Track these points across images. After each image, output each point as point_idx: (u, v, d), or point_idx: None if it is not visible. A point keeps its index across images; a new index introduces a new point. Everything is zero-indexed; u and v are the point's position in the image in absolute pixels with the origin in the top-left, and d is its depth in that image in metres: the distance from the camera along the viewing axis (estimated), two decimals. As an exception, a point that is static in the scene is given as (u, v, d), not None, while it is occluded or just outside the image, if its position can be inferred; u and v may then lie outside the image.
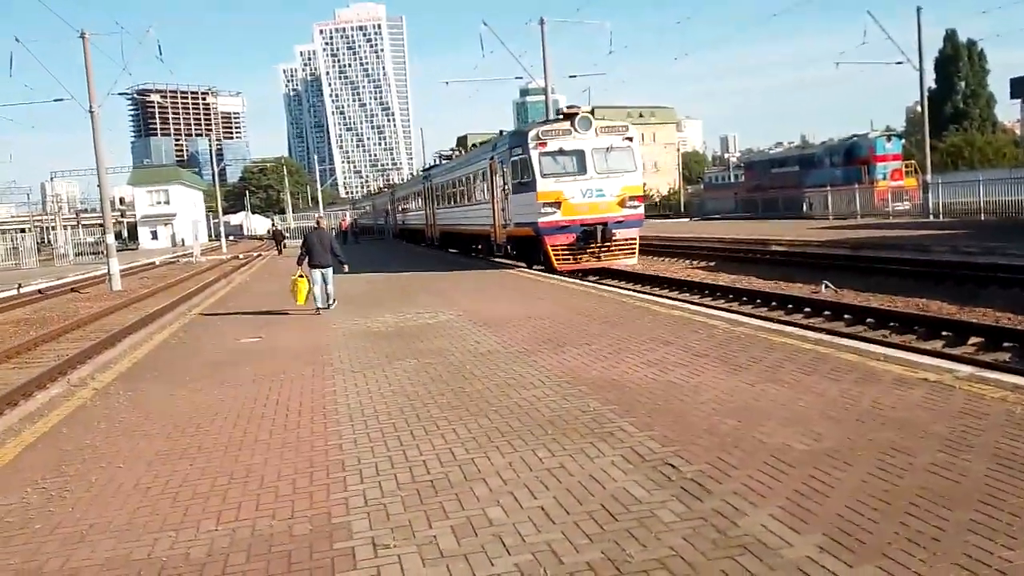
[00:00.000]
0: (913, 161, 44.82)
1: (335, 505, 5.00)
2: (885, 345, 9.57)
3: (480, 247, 28.18)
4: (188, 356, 11.33)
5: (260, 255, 50.22)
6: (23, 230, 77.99)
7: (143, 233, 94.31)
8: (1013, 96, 36.59)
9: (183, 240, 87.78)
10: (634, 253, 21.34)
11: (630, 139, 21.41)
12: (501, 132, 27.29)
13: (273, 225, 73.26)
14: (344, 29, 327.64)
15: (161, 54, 33.46)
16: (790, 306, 15.28)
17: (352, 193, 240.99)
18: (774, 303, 15.79)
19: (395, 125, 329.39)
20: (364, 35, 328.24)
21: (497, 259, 25.90)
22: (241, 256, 52.07)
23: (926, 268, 18.40)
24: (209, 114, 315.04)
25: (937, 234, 25.33)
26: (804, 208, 46.30)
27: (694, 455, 5.40)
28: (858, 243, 24.14)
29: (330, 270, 15.16)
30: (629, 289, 18.01)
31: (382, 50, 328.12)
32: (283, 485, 5.43)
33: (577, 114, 20.98)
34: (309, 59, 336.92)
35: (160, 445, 6.66)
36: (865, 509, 4.31)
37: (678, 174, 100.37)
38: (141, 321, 18.35)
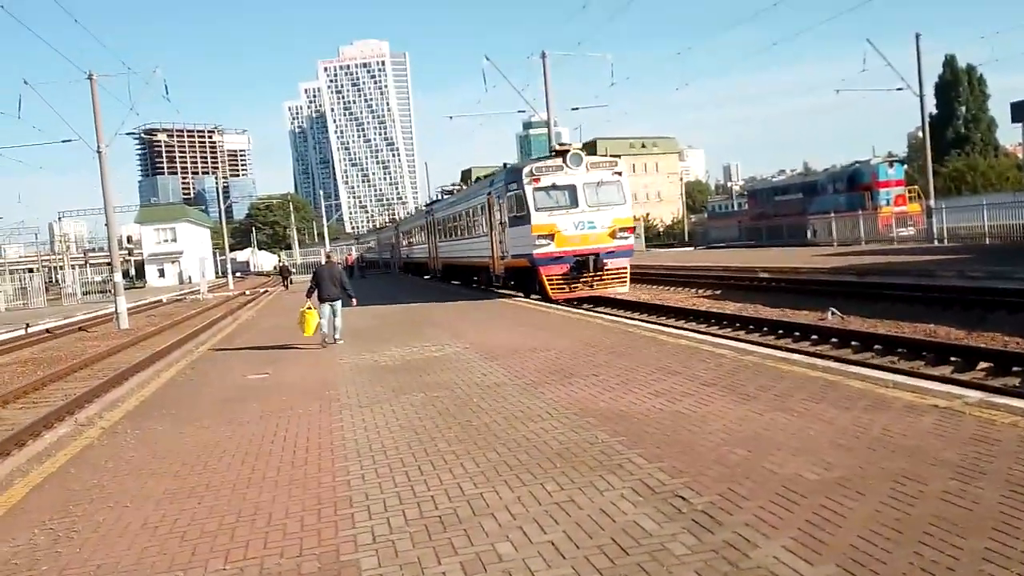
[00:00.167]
0: (916, 187, 44.93)
1: (343, 542, 4.96)
2: (894, 372, 9.52)
3: (480, 278, 29.06)
4: (196, 393, 11.33)
5: (267, 291, 50.35)
6: (31, 270, 78.39)
7: (150, 271, 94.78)
8: (1014, 120, 36.76)
9: (190, 277, 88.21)
10: (625, 281, 22.25)
11: (619, 174, 22.46)
12: (505, 165, 27.87)
13: (280, 261, 73.54)
14: (348, 66, 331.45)
15: (167, 94, 33.99)
16: (797, 334, 15.23)
17: (358, 228, 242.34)
18: (781, 331, 15.74)
19: (400, 160, 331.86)
20: (368, 72, 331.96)
21: (497, 290, 26.51)
22: (248, 292, 52.21)
23: (933, 293, 18.34)
24: (215, 152, 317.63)
25: (942, 259, 25.30)
26: (808, 235, 46.37)
27: (704, 486, 5.36)
28: (863, 269, 24.11)
29: (339, 303, 15.56)
30: (629, 318, 17.98)
31: (386, 86, 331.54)
32: (291, 522, 5.40)
33: (569, 151, 22.21)
34: (314, 96, 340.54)
35: (168, 484, 6.64)
36: (878, 539, 4.26)
37: (681, 203, 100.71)
38: (149, 359, 18.36)
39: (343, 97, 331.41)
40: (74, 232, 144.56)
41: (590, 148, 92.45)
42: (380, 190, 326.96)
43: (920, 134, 50.79)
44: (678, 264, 36.07)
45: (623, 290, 22.50)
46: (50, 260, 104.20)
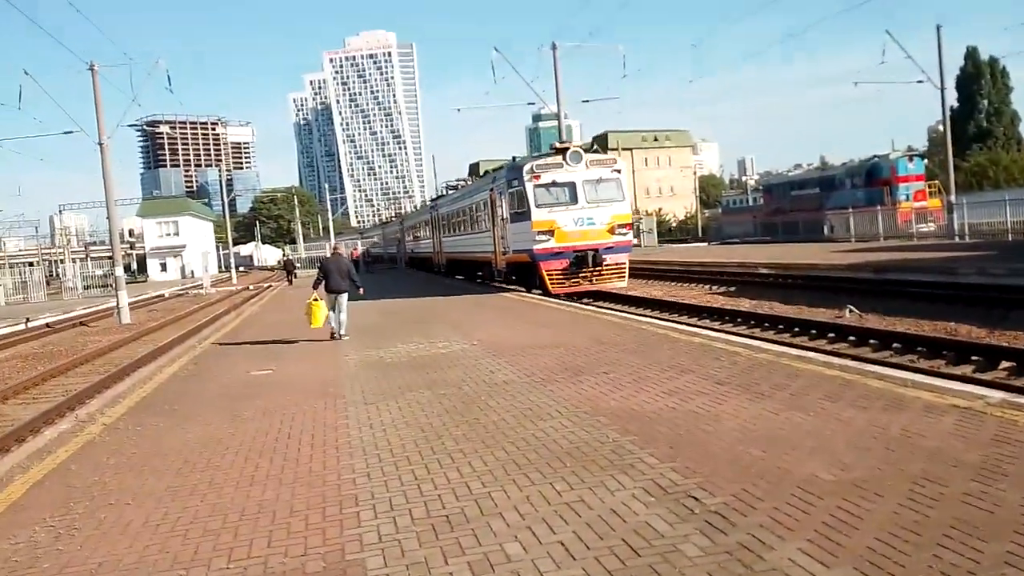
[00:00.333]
0: (936, 181, 44.70)
1: (349, 541, 4.98)
2: (913, 371, 9.49)
3: (484, 274, 29.95)
4: (198, 389, 11.37)
5: (271, 286, 50.48)
6: (31, 264, 78.88)
7: (152, 265, 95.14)
8: (1038, 113, 36.67)
9: (193, 272, 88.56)
10: (624, 276, 23.23)
11: (618, 171, 23.40)
12: (514, 158, 28.31)
13: (284, 255, 73.76)
14: (354, 57, 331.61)
15: (170, 85, 33.70)
16: (813, 332, 15.19)
17: (363, 222, 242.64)
18: (797, 329, 15.71)
19: (406, 153, 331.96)
20: (374, 63, 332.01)
21: (500, 285, 27.16)
22: (251, 287, 52.37)
23: (953, 291, 18.27)
24: (219, 145, 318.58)
25: (963, 255, 25.16)
26: (825, 231, 46.19)
27: (718, 487, 5.35)
28: (882, 266, 24.00)
29: (345, 296, 15.80)
30: (641, 314, 17.96)
31: (392, 77, 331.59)
32: (295, 521, 5.42)
33: (569, 148, 23.23)
34: (319, 88, 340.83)
35: (170, 481, 6.67)
36: (896, 541, 4.25)
37: (695, 198, 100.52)
38: (150, 354, 18.45)
39: (349, 89, 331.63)
40: (75, 225, 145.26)
41: (601, 141, 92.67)
42: (386, 184, 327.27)
43: (941, 128, 50.51)
44: (691, 260, 35.98)
45: (621, 285, 23.44)
46: (51, 254, 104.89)
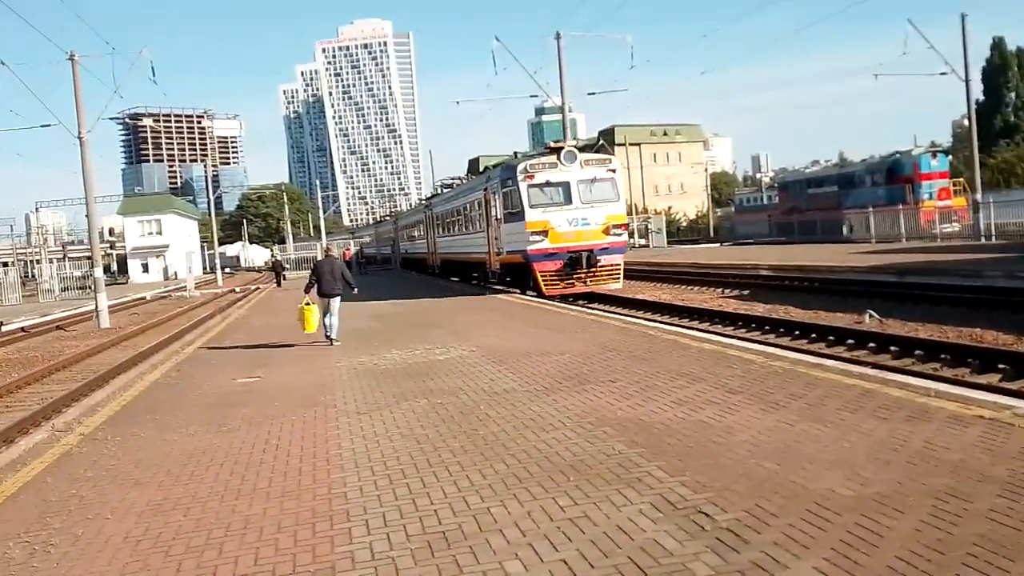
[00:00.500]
0: (961, 179, 44.66)
1: (340, 559, 4.98)
2: (936, 379, 9.49)
3: (479, 275, 30.51)
4: (182, 398, 11.38)
5: (258, 288, 50.52)
6: (6, 264, 78.98)
7: (133, 266, 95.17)
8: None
9: (176, 273, 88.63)
10: (618, 278, 23.87)
11: (613, 171, 24.05)
12: (515, 154, 28.52)
13: (272, 256, 73.78)
14: (348, 47, 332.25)
15: (154, 76, 33.77)
16: (831, 338, 15.19)
17: (356, 220, 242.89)
18: (814, 335, 15.70)
19: (402, 148, 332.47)
20: (369, 53, 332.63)
21: (496, 287, 27.56)
22: (238, 289, 52.41)
23: (979, 295, 18.26)
24: (205, 139, 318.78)
25: (990, 258, 25.18)
26: (844, 231, 46.17)
27: (729, 502, 5.35)
28: (904, 268, 24.00)
29: (337, 300, 16.00)
30: (649, 319, 17.96)
31: (388, 69, 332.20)
32: (283, 537, 5.42)
33: (563, 148, 23.82)
34: (311, 79, 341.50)
35: (152, 494, 6.67)
36: (918, 560, 4.24)
37: (707, 196, 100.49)
38: (131, 360, 18.46)
39: (342, 80, 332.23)
40: (52, 224, 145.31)
41: (608, 136, 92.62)
42: (381, 180, 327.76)
43: (966, 122, 50.55)
44: (703, 262, 36.01)
45: (616, 286, 24.09)
46: (26, 253, 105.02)
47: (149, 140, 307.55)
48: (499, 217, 25.24)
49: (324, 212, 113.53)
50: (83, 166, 30.98)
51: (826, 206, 51.83)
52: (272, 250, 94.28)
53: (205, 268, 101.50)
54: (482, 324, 17.58)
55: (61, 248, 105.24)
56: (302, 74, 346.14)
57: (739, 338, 14.75)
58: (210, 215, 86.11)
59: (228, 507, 6.17)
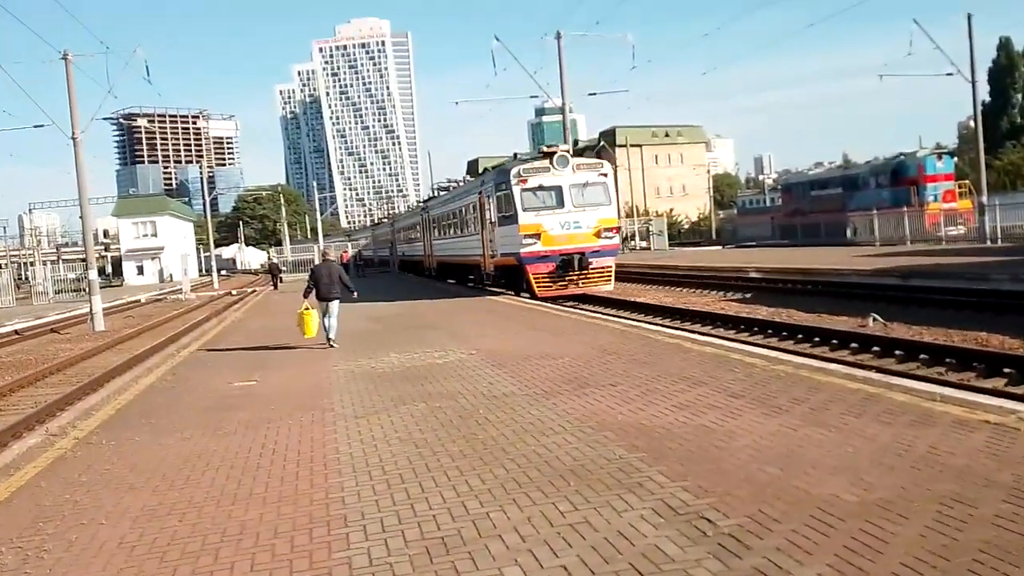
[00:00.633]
0: (967, 181, 44.69)
1: (337, 565, 4.98)
2: (941, 384, 9.48)
3: (475, 277, 31.16)
4: (177, 401, 11.38)
5: (255, 291, 50.51)
6: (-1, 266, 78.90)
7: (128, 268, 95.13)
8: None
9: (171, 275, 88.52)
10: (610, 280, 24.70)
11: (605, 175, 24.76)
12: (515, 155, 28.67)
13: (269, 258, 73.81)
14: (345, 47, 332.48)
15: (149, 75, 33.79)
16: (835, 342, 15.19)
17: (353, 222, 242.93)
18: (817, 338, 15.70)
19: (400, 149, 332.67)
20: (367, 53, 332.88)
21: (492, 289, 27.94)
22: (234, 292, 52.38)
23: (984, 299, 18.27)
24: (200, 139, 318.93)
25: (996, 260, 25.17)
26: (848, 234, 46.15)
27: (732, 507, 5.35)
28: (909, 271, 24.01)
29: (336, 303, 16.07)
30: (650, 322, 17.97)
31: (386, 69, 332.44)
32: (280, 543, 5.42)
33: (556, 152, 24.54)
34: (308, 79, 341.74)
35: (147, 499, 6.67)
36: (923, 567, 4.25)
37: (709, 198, 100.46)
38: (126, 363, 18.45)
39: (339, 80, 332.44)
40: (46, 225, 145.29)
41: (609, 137, 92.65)
42: (378, 181, 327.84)
43: (971, 124, 50.64)
44: (704, 264, 36.02)
45: (608, 288, 24.91)
46: (19, 255, 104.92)
47: (144, 141, 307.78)
48: (493, 220, 26.00)
49: (321, 214, 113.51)
50: (77, 167, 31.00)
51: (830, 208, 51.81)
52: (269, 252, 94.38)
53: (201, 271, 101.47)
54: (480, 326, 17.60)
55: (55, 250, 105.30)
56: (299, 74, 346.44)
57: (741, 341, 14.77)
58: (206, 217, 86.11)
59: (224, 512, 6.18)
